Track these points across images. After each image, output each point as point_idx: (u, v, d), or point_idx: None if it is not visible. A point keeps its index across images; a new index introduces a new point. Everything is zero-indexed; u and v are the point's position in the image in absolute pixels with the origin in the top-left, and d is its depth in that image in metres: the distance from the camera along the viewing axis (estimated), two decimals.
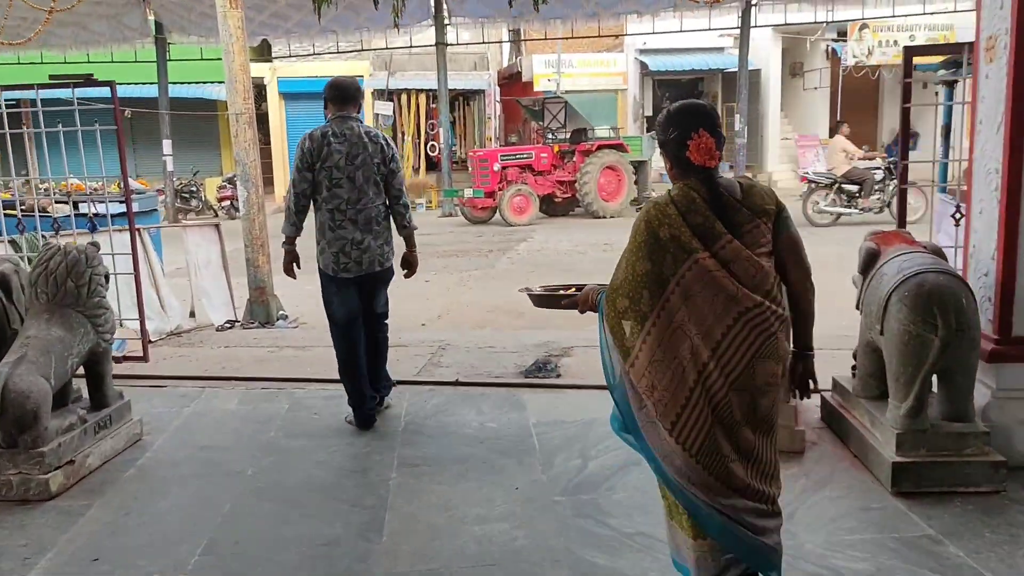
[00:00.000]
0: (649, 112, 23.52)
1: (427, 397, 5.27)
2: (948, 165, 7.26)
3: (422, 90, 22.28)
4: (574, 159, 17.16)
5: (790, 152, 22.63)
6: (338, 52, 19.35)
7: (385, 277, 4.80)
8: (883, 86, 23.79)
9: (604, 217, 16.84)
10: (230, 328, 7.41)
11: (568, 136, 17.86)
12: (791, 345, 2.59)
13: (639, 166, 17.46)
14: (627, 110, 23.27)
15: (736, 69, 22.42)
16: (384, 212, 4.70)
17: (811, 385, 2.70)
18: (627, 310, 2.47)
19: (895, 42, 21.20)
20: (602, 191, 16.92)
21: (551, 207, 17.36)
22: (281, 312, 7.72)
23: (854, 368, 4.44)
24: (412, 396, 5.27)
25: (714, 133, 2.47)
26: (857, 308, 4.29)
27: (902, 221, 5.20)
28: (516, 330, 7.37)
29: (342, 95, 4.65)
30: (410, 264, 4.92)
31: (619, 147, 17.27)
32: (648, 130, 21.33)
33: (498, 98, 23.82)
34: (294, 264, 4.80)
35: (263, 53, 20.09)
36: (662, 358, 2.43)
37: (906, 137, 5.50)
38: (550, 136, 18.39)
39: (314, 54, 20.65)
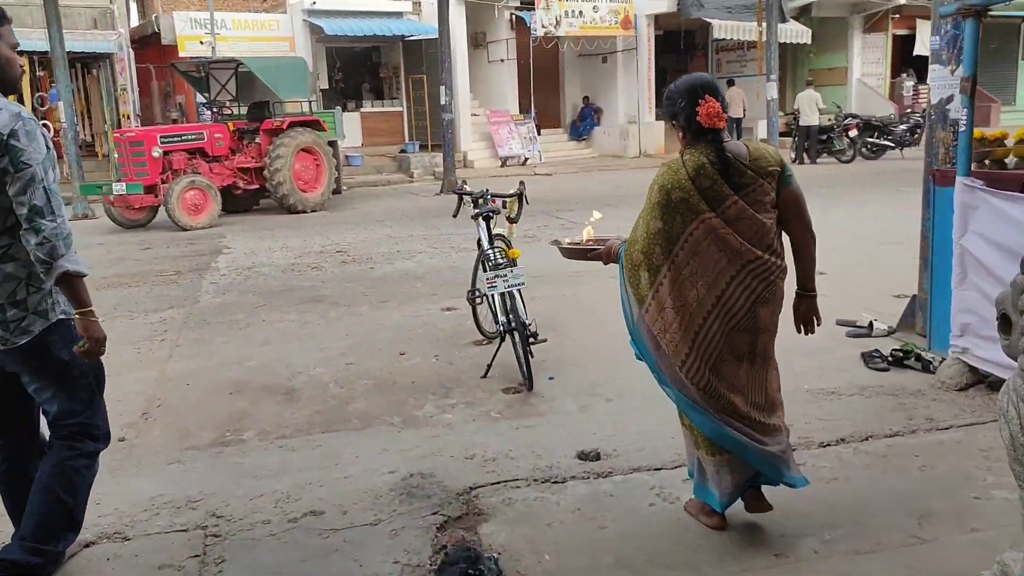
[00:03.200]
0: (324, 84, 20.25)
1: None
2: None
3: (23, 52, 16.74)
4: (257, 140, 13.55)
5: (482, 130, 20.90)
6: None
7: (28, 359, 2.80)
8: (563, 60, 23.02)
9: (304, 211, 13.54)
10: None
11: (246, 112, 14.11)
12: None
13: (332, 148, 14.37)
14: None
15: (419, 37, 20.21)
16: (4, 252, 2.72)
17: (815, 322, 3.11)
18: (641, 263, 2.85)
19: (581, 12, 20.32)
20: (298, 179, 13.57)
21: (231, 201, 13.57)
22: None
23: None
24: None
25: (718, 99, 2.76)
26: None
27: None
28: (332, 430, 4.28)
29: None
30: (85, 332, 2.73)
31: (315, 124, 13.99)
32: (327, 106, 18.13)
33: (134, 64, 18.94)
34: None
35: None
36: (672, 305, 2.80)
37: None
38: (220, 111, 14.50)
39: None
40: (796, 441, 3.70)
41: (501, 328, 5.06)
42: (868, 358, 5.17)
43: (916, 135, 18.79)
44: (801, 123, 18.59)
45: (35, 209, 2.57)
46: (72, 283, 2.64)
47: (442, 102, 16.09)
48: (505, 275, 4.70)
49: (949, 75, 5.09)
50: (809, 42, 21.50)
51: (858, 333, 5.70)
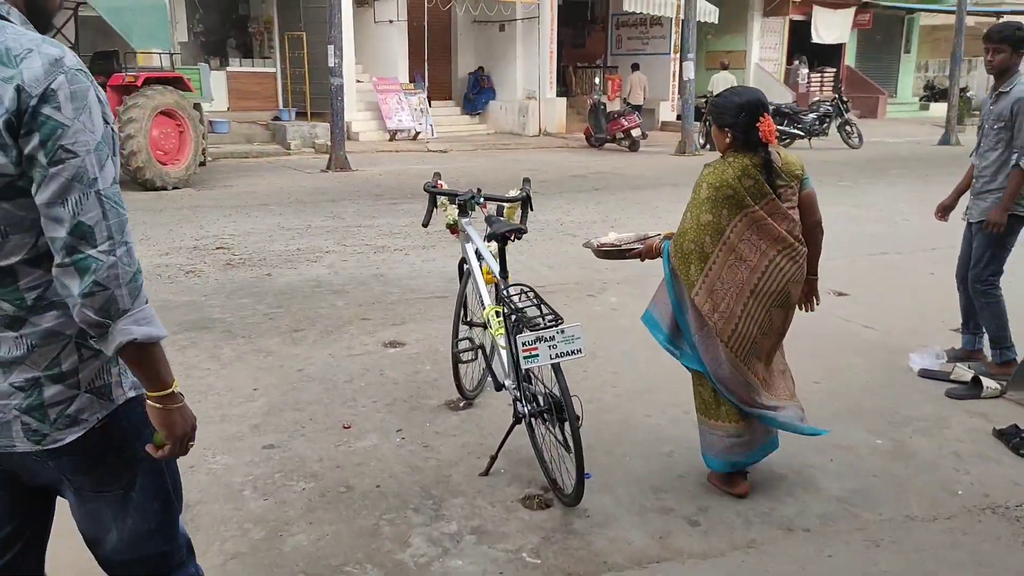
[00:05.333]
0: (184, 37, 17.43)
1: None
2: None
3: None
4: None
5: (367, 98, 18.67)
6: None
7: (79, 465, 1.69)
8: (456, 25, 21.05)
9: (164, 188, 11.13)
10: None
11: (89, 63, 11.43)
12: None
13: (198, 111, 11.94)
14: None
15: None
16: (36, 290, 1.58)
17: (815, 300, 3.48)
18: (692, 251, 3.14)
19: None
20: (156, 149, 11.13)
21: None
22: None
23: None
24: None
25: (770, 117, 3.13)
26: None
27: None
28: None
29: None
30: (165, 426, 1.65)
31: (177, 83, 11.52)
32: (187, 62, 15.45)
33: None
34: None
35: None
36: (720, 287, 3.12)
37: None
38: None
39: None
40: None
41: (525, 411, 3.30)
42: (1009, 439, 3.77)
43: (825, 125, 18.18)
44: None
45: (81, 231, 1.48)
46: (146, 354, 1.58)
47: (330, 64, 13.86)
48: (552, 338, 2.93)
49: None
50: (716, 21, 20.51)
51: (963, 394, 4.32)
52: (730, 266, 3.11)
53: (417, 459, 3.65)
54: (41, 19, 1.65)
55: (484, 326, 4.27)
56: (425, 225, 4.06)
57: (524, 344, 2.92)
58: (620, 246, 3.56)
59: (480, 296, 3.84)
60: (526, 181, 3.97)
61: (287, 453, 3.68)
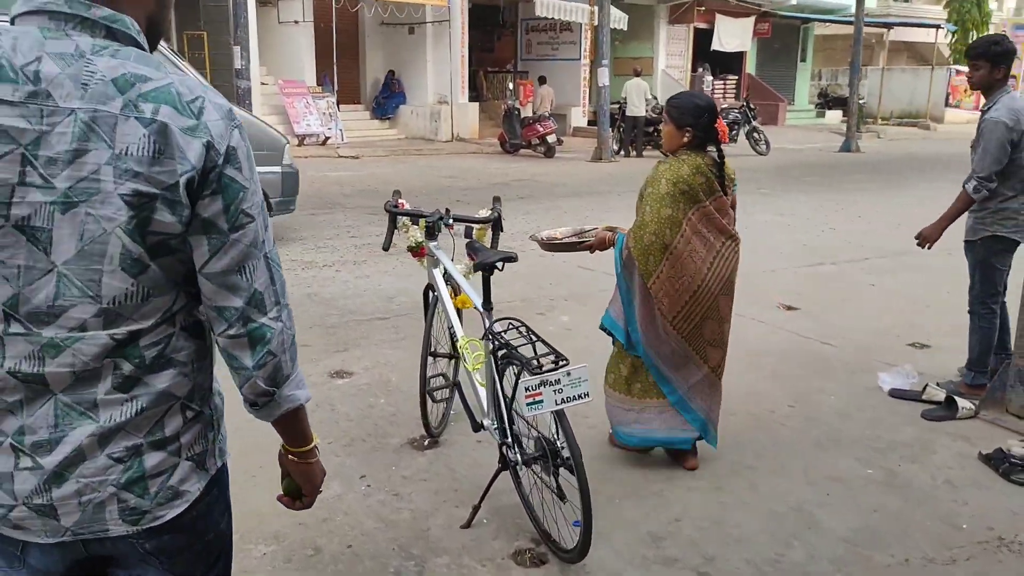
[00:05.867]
0: None
1: None
2: None
3: None
4: None
5: (272, 102, 17.94)
6: None
7: (170, 545, 1.43)
8: (363, 27, 20.50)
9: None
10: None
11: None
12: None
13: None
14: None
15: None
16: (156, 347, 1.36)
17: None
18: (653, 243, 3.34)
19: None
20: None
21: None
22: None
23: None
24: None
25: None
26: None
27: None
28: None
29: None
30: (306, 480, 1.59)
31: None
32: None
33: None
34: None
35: None
36: (675, 275, 3.35)
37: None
38: None
39: None
40: None
41: (517, 458, 2.97)
42: (997, 464, 3.69)
43: (734, 132, 18.49)
44: (628, 113, 17.58)
45: (256, 299, 1.37)
46: (297, 414, 1.50)
47: (236, 66, 13.19)
48: (557, 381, 2.62)
49: None
50: (626, 28, 20.63)
51: (940, 415, 4.24)
52: (686, 257, 3.36)
53: (389, 510, 3.28)
54: (154, 40, 1.42)
55: (450, 357, 3.95)
56: (386, 248, 3.68)
57: (528, 389, 2.61)
58: (570, 239, 3.72)
59: (450, 325, 3.51)
60: (496, 200, 3.67)
61: (242, 508, 3.18)
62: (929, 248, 4.47)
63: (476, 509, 3.17)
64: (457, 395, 3.55)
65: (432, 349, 3.80)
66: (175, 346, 1.38)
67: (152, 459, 1.37)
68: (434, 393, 3.56)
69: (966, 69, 4.42)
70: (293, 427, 1.51)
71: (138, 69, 1.25)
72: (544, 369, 2.65)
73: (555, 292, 6.32)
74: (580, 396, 2.68)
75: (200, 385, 1.43)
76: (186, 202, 1.27)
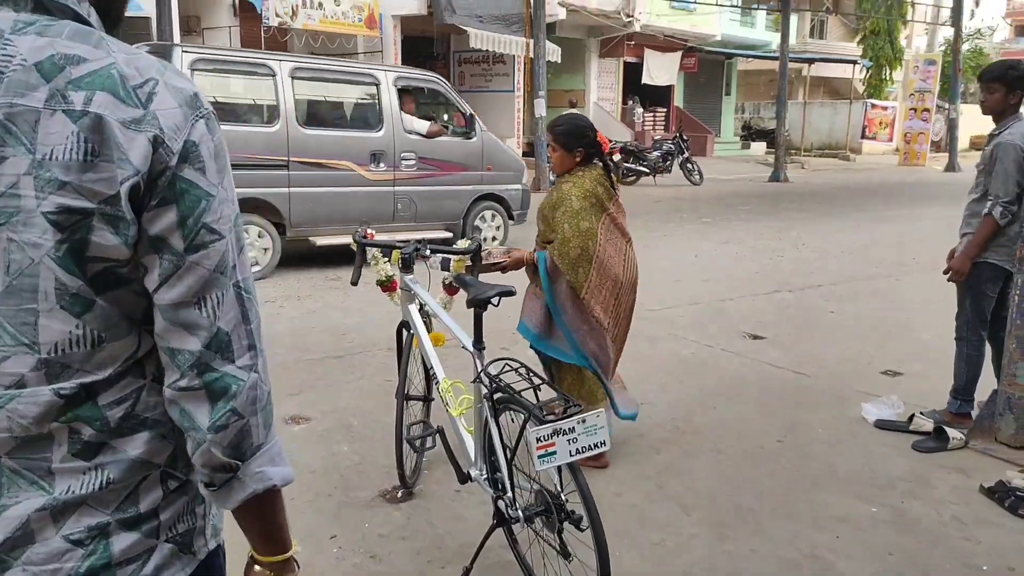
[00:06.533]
0: None
1: None
2: None
3: None
4: None
5: None
6: None
7: None
8: None
9: None
10: None
11: None
12: None
13: None
14: None
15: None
16: (122, 405, 1.07)
17: None
18: (579, 256, 3.55)
19: (321, 4, 17.68)
20: None
21: None
22: None
23: None
24: None
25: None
26: None
27: None
28: None
29: None
30: None
31: None
32: None
33: None
34: None
35: None
36: (601, 282, 3.58)
37: None
38: None
39: None
40: None
41: (519, 515, 2.66)
42: (1002, 499, 3.54)
43: (668, 162, 18.67)
44: None
45: (219, 342, 1.05)
46: (269, 504, 1.14)
47: None
48: (572, 430, 2.33)
49: None
50: (559, 61, 20.70)
51: (931, 447, 4.10)
52: (606, 262, 3.58)
53: (366, 575, 2.93)
54: (113, 16, 1.11)
55: (423, 399, 3.63)
56: (354, 283, 3.35)
57: (540, 440, 2.31)
58: (488, 260, 3.73)
59: (429, 365, 3.20)
60: (476, 230, 3.39)
61: None
62: (961, 280, 4.22)
63: (467, 572, 2.85)
64: (440, 443, 3.23)
65: (406, 391, 3.48)
66: (147, 402, 1.08)
67: (121, 542, 1.07)
68: (415, 443, 3.23)
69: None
70: (262, 521, 1.14)
71: (70, 48, 0.96)
72: (555, 416, 2.36)
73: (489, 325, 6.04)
74: (596, 445, 2.39)
75: (185, 448, 1.10)
76: (131, 217, 0.98)
